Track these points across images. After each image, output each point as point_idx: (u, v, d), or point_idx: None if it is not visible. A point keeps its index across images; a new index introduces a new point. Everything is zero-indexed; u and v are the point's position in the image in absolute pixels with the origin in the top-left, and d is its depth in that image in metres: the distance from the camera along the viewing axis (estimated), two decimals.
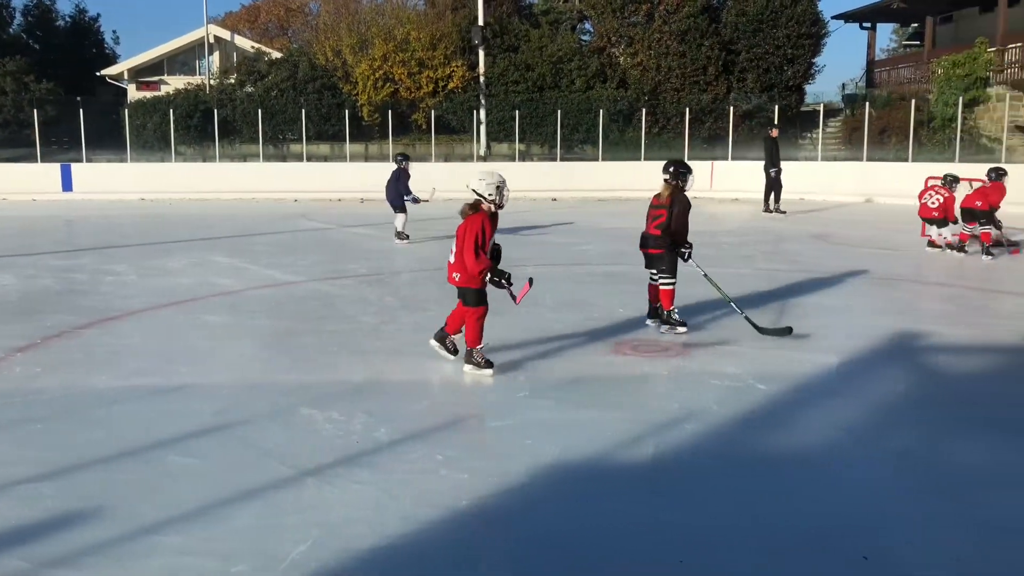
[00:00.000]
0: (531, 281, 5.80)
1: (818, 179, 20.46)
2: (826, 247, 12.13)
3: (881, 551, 3.33)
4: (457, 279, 5.61)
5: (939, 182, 11.31)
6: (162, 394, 5.37)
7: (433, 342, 5.88)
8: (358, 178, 22.41)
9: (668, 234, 6.55)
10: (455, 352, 5.86)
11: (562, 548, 3.39)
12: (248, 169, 24.00)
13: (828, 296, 8.32)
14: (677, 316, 6.76)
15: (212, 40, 31.74)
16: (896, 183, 19.08)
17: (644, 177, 21.92)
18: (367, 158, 25.78)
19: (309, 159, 24.69)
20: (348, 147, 24.34)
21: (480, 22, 25.52)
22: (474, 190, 5.57)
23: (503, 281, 5.57)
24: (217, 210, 18.92)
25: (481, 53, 25.98)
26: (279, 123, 26.49)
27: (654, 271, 6.77)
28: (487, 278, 5.59)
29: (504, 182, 5.65)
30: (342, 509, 3.69)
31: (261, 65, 28.12)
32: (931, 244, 11.51)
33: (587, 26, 29.27)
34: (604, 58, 26.85)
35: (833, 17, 29.29)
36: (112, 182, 22.39)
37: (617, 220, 15.96)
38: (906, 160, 20.35)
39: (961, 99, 21.71)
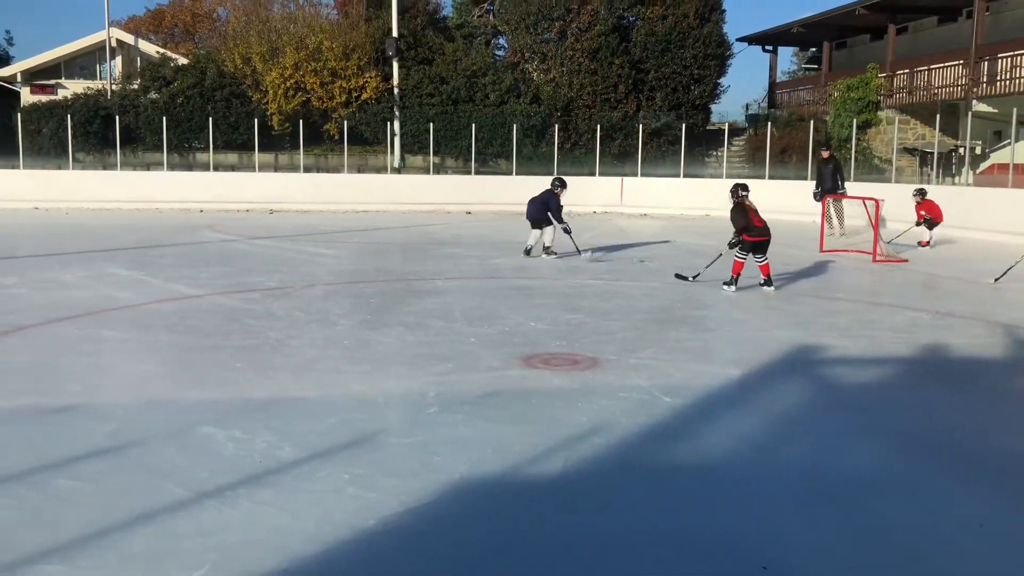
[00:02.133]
0: None
1: (724, 196, 21.02)
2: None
3: (778, 560, 3.43)
4: None
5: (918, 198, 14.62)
6: (51, 414, 5.10)
7: None
8: (267, 189, 21.96)
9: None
10: None
11: (469, 565, 3.37)
12: (152, 178, 23.12)
13: (732, 310, 8.58)
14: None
15: (114, 44, 30.59)
16: (796, 200, 19.86)
17: None
18: (276, 168, 25.23)
19: (216, 168, 23.99)
20: (257, 157, 23.78)
21: (394, 34, 25.41)
22: None
23: None
24: (118, 220, 18.18)
25: (395, 64, 25.86)
26: (185, 131, 25.68)
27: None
28: None
29: None
30: (242, 532, 3.57)
31: (166, 71, 27.25)
32: (921, 244, 14.39)
33: (501, 41, 29.52)
34: (518, 73, 27.11)
35: (737, 39, 30.27)
36: (2, 189, 21.22)
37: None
38: (805, 178, 21.18)
39: (855, 121, 22.81)
